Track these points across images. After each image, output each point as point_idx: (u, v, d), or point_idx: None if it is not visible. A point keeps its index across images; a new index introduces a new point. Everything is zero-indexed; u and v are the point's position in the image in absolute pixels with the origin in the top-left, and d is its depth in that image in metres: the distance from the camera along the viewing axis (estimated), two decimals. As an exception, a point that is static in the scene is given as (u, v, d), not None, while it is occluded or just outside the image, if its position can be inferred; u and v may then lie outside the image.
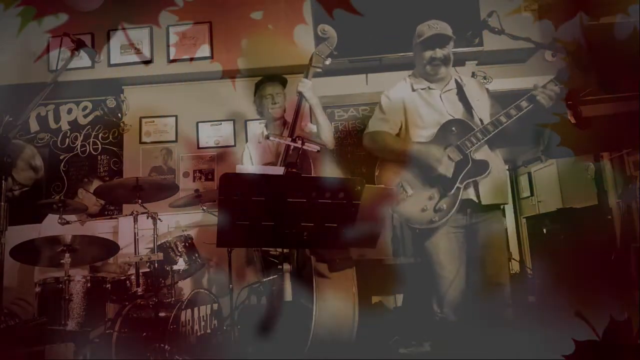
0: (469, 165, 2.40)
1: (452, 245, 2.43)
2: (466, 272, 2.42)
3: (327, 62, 2.73)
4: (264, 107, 3.08)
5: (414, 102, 2.57)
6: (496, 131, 2.38)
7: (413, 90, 2.61)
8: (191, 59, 4.40)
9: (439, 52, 2.51)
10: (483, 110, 2.53)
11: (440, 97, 2.56)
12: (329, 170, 2.79)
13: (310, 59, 2.74)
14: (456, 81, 2.60)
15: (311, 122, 2.97)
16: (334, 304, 2.34)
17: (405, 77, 2.70)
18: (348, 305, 2.37)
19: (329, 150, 2.84)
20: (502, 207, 2.58)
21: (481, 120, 2.46)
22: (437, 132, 2.47)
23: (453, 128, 2.45)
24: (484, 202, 2.42)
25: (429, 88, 2.59)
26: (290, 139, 2.26)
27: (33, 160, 2.44)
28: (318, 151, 2.19)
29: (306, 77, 2.73)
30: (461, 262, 2.42)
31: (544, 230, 4.94)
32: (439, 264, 2.42)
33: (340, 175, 2.54)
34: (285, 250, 2.09)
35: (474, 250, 2.45)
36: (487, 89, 2.70)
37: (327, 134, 2.81)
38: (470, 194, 2.42)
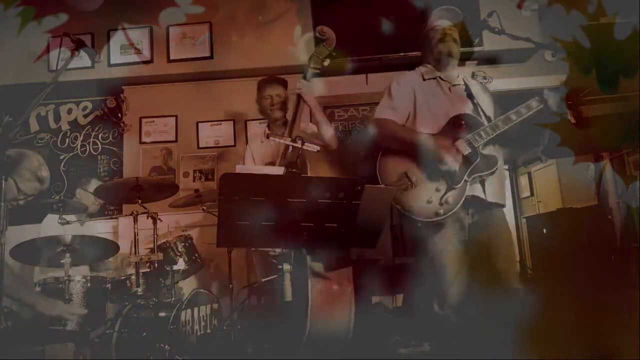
0: (478, 160, 2.38)
1: (455, 245, 2.41)
2: (469, 273, 2.39)
3: (326, 63, 2.73)
4: (265, 107, 3.12)
5: (424, 92, 2.55)
6: (506, 128, 2.38)
7: (424, 80, 2.60)
8: (191, 59, 4.41)
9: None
10: (487, 111, 2.54)
11: (450, 89, 2.56)
12: (327, 171, 2.78)
13: (309, 60, 2.75)
14: (464, 80, 2.61)
15: (311, 122, 2.98)
16: (329, 303, 2.34)
17: (416, 69, 2.69)
18: (343, 304, 2.36)
19: (328, 150, 2.85)
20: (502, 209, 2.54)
21: (488, 118, 2.47)
22: (445, 125, 2.45)
23: (462, 122, 2.43)
24: (489, 199, 2.40)
25: (440, 79, 2.58)
26: (290, 138, 2.27)
27: (39, 171, 2.42)
28: (317, 151, 2.19)
29: (305, 78, 2.74)
30: (463, 262, 2.40)
31: (544, 230, 4.93)
32: (441, 264, 2.40)
33: (338, 176, 2.53)
34: (284, 250, 2.09)
35: (479, 250, 2.43)
36: (489, 92, 2.70)
37: (328, 134, 2.83)
38: (477, 190, 2.41)
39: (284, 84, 3.20)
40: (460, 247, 2.41)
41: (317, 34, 2.71)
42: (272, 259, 2.52)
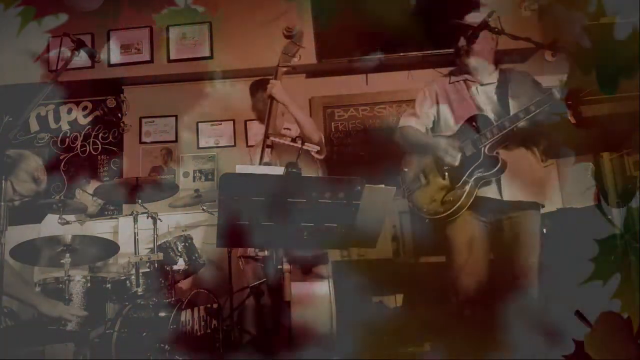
0: (480, 160, 2.38)
1: (475, 235, 2.41)
2: (489, 268, 2.41)
3: (295, 59, 2.67)
4: (262, 111, 3.08)
5: (448, 95, 2.60)
6: (512, 127, 2.33)
7: (450, 82, 2.63)
8: (191, 59, 4.40)
9: (462, 41, 2.52)
10: (517, 108, 2.43)
11: (477, 89, 2.55)
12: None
13: (279, 59, 2.69)
14: (500, 75, 2.57)
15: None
16: (309, 301, 2.36)
17: (448, 72, 2.72)
18: (323, 302, 2.38)
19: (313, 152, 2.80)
20: (540, 207, 2.51)
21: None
22: (460, 127, 2.48)
23: (474, 123, 2.44)
24: (505, 198, 2.38)
25: (467, 80, 2.58)
26: (290, 139, 2.27)
27: (37, 172, 2.42)
28: (317, 151, 2.19)
29: (275, 78, 2.68)
30: (482, 253, 2.41)
31: (544, 231, 4.91)
32: (458, 252, 2.42)
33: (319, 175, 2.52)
34: (267, 253, 2.10)
35: (501, 247, 2.45)
36: (533, 85, 2.55)
37: (308, 129, 2.72)
38: (489, 192, 2.40)
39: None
40: (479, 236, 2.42)
41: (284, 32, 2.67)
42: (259, 263, 2.50)
